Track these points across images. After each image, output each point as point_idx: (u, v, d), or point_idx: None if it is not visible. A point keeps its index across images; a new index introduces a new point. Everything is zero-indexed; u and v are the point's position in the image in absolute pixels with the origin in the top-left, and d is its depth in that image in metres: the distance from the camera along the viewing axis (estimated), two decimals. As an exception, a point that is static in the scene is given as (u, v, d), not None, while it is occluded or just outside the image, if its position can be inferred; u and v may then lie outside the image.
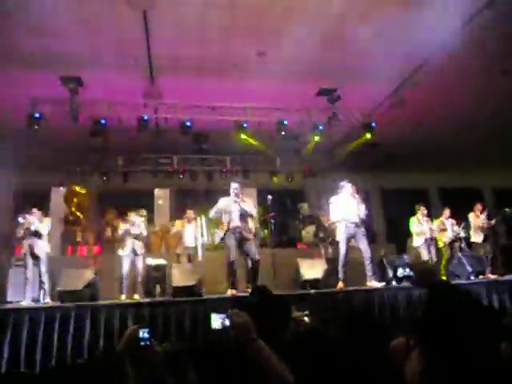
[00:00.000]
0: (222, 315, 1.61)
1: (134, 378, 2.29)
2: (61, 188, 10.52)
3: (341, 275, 6.65)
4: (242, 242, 6.32)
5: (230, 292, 6.16)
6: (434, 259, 7.73)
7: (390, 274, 7.16)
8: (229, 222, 6.31)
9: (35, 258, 6.73)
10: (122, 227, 7.19)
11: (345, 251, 6.68)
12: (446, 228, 8.16)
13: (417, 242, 7.90)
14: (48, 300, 6.60)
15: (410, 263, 7.16)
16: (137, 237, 7.11)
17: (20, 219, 6.72)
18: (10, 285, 7.25)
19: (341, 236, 6.76)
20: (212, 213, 6.57)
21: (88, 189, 10.56)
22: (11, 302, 6.74)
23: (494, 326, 2.01)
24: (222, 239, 6.41)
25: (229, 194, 6.53)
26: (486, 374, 1.57)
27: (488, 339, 1.74)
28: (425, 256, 7.70)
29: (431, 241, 7.85)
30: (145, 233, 7.31)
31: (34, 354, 5.34)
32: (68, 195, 10.41)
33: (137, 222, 7.20)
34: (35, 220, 6.79)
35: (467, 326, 1.73)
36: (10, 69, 7.18)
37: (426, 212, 8.01)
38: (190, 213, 8.18)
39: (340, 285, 6.57)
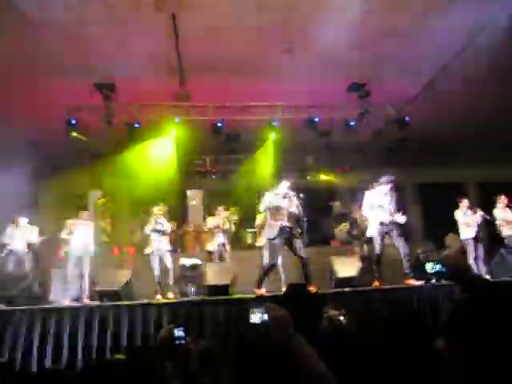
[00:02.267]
0: (261, 309, 1.61)
1: (171, 373, 2.33)
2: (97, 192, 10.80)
3: (376, 273, 6.51)
4: (291, 239, 6.25)
5: (257, 292, 6.11)
6: (480, 256, 7.33)
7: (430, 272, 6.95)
8: (279, 221, 6.20)
9: (78, 258, 6.98)
10: (148, 226, 7.22)
11: (379, 249, 6.53)
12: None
13: (464, 234, 7.48)
14: (86, 300, 6.80)
15: (443, 258, 6.88)
16: (162, 233, 7.10)
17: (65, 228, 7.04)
18: (52, 285, 7.49)
19: (375, 234, 6.62)
20: (263, 206, 6.42)
21: (109, 194, 10.66)
22: (53, 302, 6.96)
23: None
24: (274, 238, 6.23)
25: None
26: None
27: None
28: (471, 251, 7.31)
29: (480, 235, 7.48)
30: (168, 228, 7.22)
31: (76, 352, 5.53)
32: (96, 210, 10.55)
33: (159, 218, 7.18)
34: (81, 223, 7.10)
35: (496, 326, 1.65)
36: (45, 77, 7.42)
37: (468, 204, 7.67)
38: (219, 210, 8.23)
39: (376, 283, 6.43)
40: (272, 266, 6.28)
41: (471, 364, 1.58)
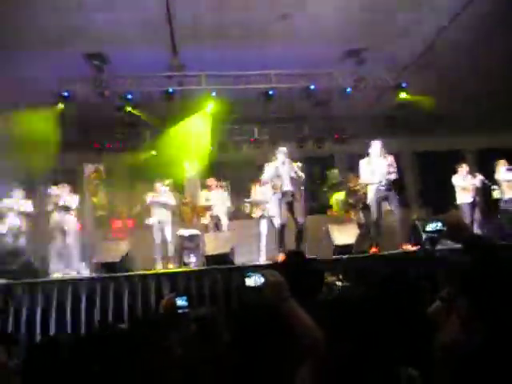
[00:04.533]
0: (257, 274, 1.62)
1: (174, 342, 2.37)
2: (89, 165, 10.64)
3: (373, 239, 6.57)
4: (292, 204, 6.43)
5: (281, 257, 6.13)
6: (476, 219, 7.32)
7: (424, 236, 7.00)
8: (281, 186, 6.42)
9: (64, 232, 6.92)
10: (148, 197, 7.27)
11: (377, 214, 6.57)
12: None
13: (461, 198, 7.43)
14: (74, 273, 6.76)
15: (442, 217, 6.97)
16: (163, 206, 7.15)
17: (49, 190, 6.91)
18: (51, 258, 7.49)
19: (372, 199, 6.64)
20: (265, 177, 6.64)
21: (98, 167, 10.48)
22: (53, 275, 6.99)
23: None
24: (278, 202, 6.50)
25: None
26: None
27: None
28: (467, 216, 7.22)
29: (478, 200, 7.42)
30: (172, 202, 7.29)
31: (79, 323, 5.61)
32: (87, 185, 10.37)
33: (162, 191, 7.24)
34: (64, 194, 6.94)
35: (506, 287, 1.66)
36: (36, 49, 7.22)
37: (467, 169, 7.60)
38: (210, 181, 8.13)
39: (373, 249, 6.50)
40: (282, 228, 6.45)
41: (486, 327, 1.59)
